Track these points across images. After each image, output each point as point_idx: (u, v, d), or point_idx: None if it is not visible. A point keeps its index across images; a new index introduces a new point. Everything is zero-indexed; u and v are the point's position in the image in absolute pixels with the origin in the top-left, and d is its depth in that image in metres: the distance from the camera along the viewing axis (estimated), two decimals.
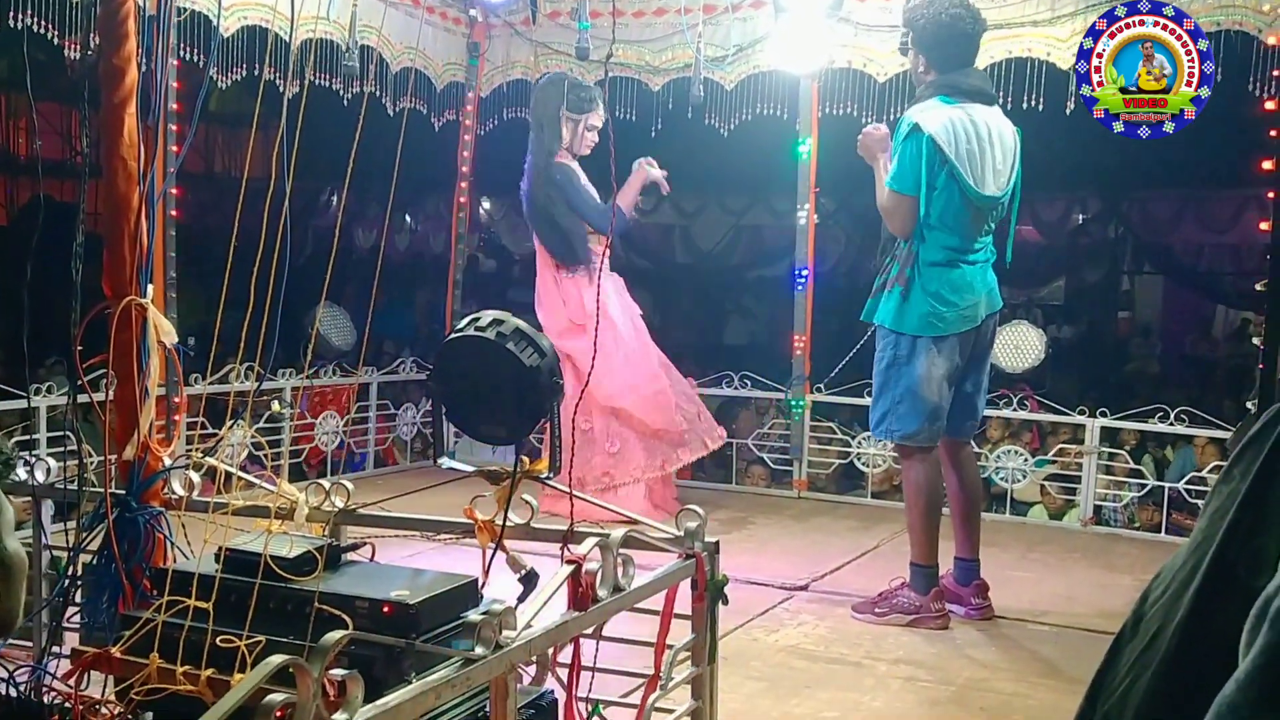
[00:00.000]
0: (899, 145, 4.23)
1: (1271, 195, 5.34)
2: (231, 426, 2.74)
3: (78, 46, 4.84)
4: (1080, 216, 12.06)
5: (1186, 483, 5.78)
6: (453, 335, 2.35)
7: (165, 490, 2.50)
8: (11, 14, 4.65)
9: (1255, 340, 5.22)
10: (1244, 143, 6.99)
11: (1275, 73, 5.24)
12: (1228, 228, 10.95)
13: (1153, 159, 9.56)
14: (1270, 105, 5.24)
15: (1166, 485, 5.92)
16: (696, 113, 6.41)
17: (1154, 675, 1.09)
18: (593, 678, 2.32)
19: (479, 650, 1.81)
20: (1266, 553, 1.03)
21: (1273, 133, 5.16)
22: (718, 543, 2.52)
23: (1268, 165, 5.12)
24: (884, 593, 4.38)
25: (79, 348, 2.34)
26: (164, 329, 2.46)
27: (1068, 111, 5.62)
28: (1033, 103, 5.67)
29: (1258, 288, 5.26)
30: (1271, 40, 5.24)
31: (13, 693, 2.10)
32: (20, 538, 2.27)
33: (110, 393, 2.42)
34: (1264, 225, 5.63)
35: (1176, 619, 1.09)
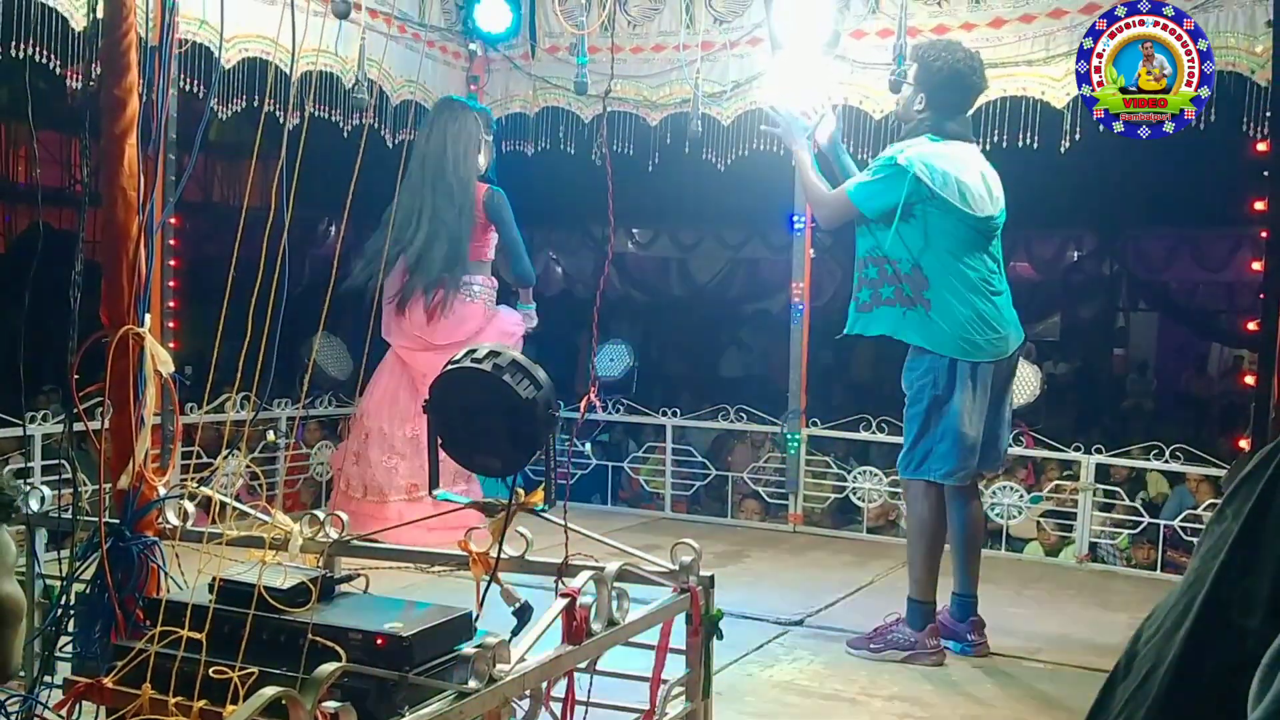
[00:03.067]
0: (877, 169, 4.25)
1: (1265, 234, 5.36)
2: (227, 456, 2.74)
3: (79, 76, 4.86)
4: (1076, 253, 12.13)
5: (1182, 520, 5.77)
6: (449, 367, 2.36)
7: (159, 520, 2.50)
8: (14, 43, 4.68)
9: (1249, 379, 5.23)
10: (1238, 182, 7.04)
11: (1268, 113, 5.28)
12: (1222, 266, 11.01)
13: (1148, 197, 9.62)
14: (1263, 146, 5.27)
15: (1162, 522, 5.91)
16: (694, 147, 6.44)
17: (1147, 714, 1.09)
18: (586, 712, 2.30)
19: (472, 684, 1.81)
20: (1258, 592, 1.03)
21: (1265, 173, 5.18)
22: (713, 577, 2.51)
23: (1260, 205, 5.14)
24: (879, 628, 4.36)
25: (76, 376, 2.34)
26: (161, 358, 2.46)
27: (1062, 150, 5.66)
28: (1027, 141, 5.70)
29: (1250, 326, 5.27)
30: (1263, 81, 5.28)
31: None
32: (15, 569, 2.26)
33: (106, 421, 2.42)
34: (1257, 265, 5.64)
35: (1169, 658, 1.08)
